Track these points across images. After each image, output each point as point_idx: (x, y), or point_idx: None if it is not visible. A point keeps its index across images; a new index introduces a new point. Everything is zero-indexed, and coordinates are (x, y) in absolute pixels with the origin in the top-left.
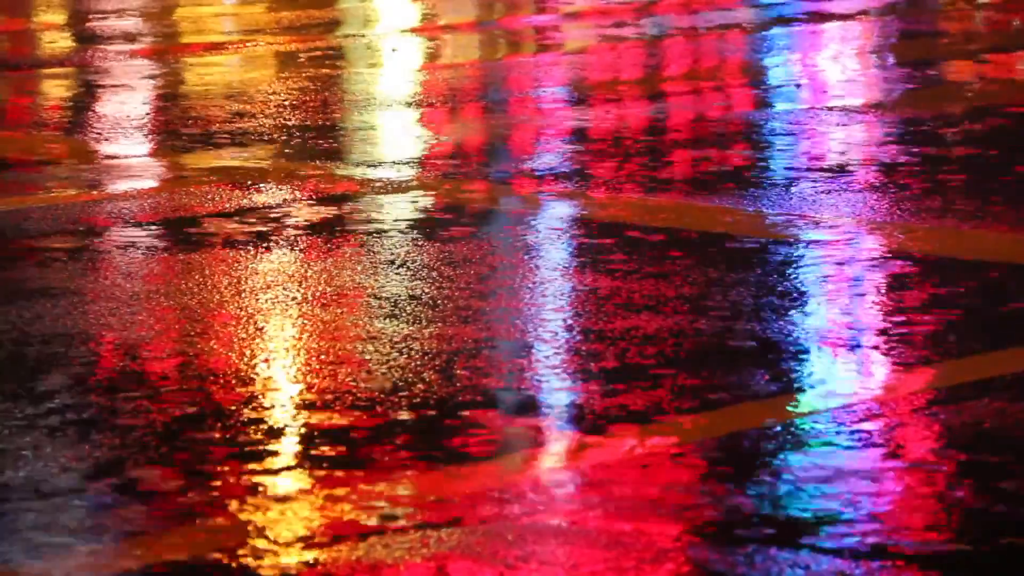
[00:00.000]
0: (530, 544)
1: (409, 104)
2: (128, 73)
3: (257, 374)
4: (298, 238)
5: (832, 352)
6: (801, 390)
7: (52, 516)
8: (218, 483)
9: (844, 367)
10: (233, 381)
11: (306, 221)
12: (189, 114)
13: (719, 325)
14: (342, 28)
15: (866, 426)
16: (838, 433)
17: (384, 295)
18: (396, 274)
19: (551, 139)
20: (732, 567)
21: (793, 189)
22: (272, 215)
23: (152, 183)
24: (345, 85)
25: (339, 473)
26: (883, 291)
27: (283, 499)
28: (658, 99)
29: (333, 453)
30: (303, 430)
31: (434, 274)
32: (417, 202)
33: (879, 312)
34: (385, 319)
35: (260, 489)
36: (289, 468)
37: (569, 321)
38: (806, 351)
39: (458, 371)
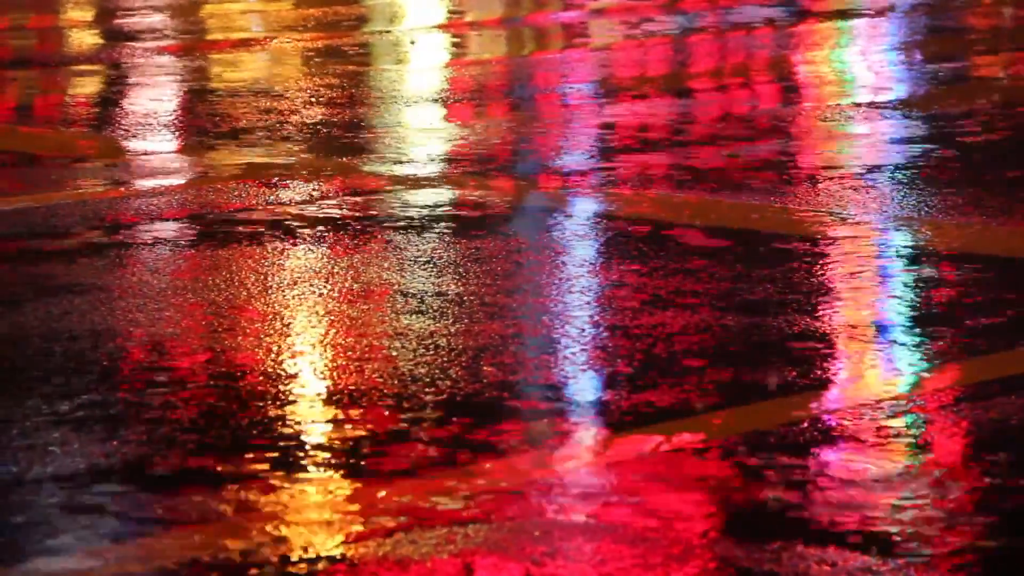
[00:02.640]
0: (557, 540)
1: (436, 100)
2: (156, 70)
3: (284, 370)
4: (325, 234)
5: (859, 349)
6: (828, 386)
7: (79, 511)
8: (245, 479)
9: (871, 363)
10: (260, 377)
11: (333, 217)
12: (216, 110)
13: (746, 321)
14: (369, 24)
15: (893, 423)
16: (865, 429)
17: (411, 291)
18: (423, 270)
19: (578, 135)
20: (759, 563)
21: (820, 185)
22: (299, 211)
23: (180, 179)
24: (372, 81)
25: (366, 469)
26: (910, 287)
27: (310, 495)
28: (685, 95)
29: (360, 449)
30: (330, 426)
31: (461, 270)
32: (444, 198)
33: (906, 308)
34: (412, 315)
35: (287, 485)
36: (316, 464)
37: (596, 317)
38: (833, 347)
39: (485, 367)
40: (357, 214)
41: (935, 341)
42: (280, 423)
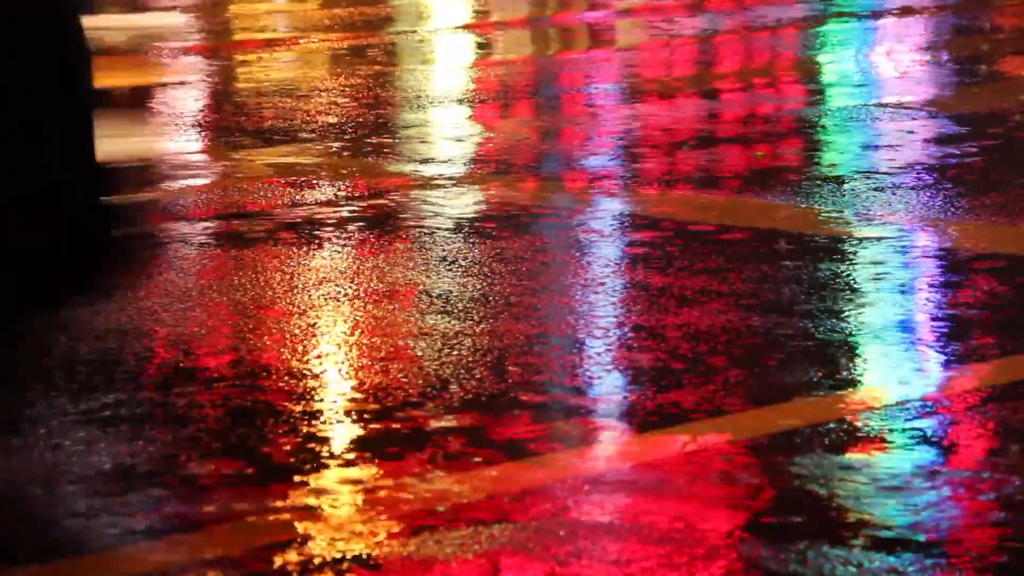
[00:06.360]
0: (582, 540)
1: (461, 101)
2: (181, 70)
3: (309, 370)
4: (350, 234)
5: (885, 349)
6: (854, 387)
7: (106, 511)
8: (270, 479)
9: (898, 364)
10: (286, 377)
11: (358, 217)
12: (242, 111)
13: (771, 321)
14: (394, 25)
15: (920, 424)
16: (891, 431)
17: (436, 291)
18: (448, 270)
19: (603, 135)
20: (784, 564)
21: (846, 185)
22: (324, 211)
23: (205, 179)
24: (397, 82)
25: (390, 469)
26: (937, 288)
27: (335, 494)
28: (710, 95)
29: (384, 449)
30: (355, 426)
31: (485, 270)
32: (469, 198)
33: (933, 309)
34: (437, 315)
35: (312, 485)
36: (341, 464)
37: (620, 317)
38: (859, 348)
39: (510, 367)
40: (382, 214)
41: (962, 342)
42: (305, 423)
